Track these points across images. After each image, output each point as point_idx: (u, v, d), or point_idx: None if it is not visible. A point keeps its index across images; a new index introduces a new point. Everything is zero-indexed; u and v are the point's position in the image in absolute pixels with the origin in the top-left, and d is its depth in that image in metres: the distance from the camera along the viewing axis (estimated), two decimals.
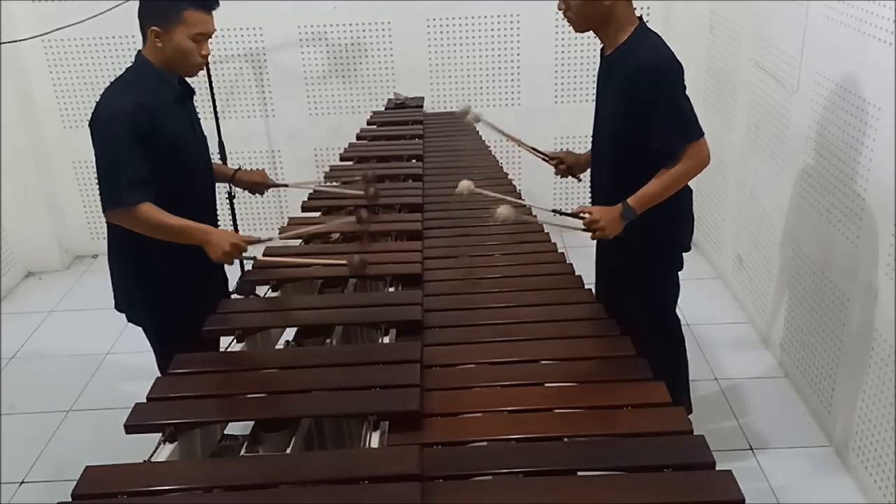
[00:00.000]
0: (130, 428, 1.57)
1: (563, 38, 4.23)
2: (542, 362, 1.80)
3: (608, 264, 2.59)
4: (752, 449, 2.80)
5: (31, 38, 3.86)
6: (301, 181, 3.05)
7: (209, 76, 3.70)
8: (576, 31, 2.26)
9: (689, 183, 2.33)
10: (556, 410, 1.61)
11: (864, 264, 2.51)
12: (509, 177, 3.19)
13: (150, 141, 2.16)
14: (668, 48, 2.20)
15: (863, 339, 2.54)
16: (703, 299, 3.77)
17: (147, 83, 2.22)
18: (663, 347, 2.49)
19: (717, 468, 1.40)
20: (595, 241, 2.46)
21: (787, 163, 3.10)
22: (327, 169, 3.20)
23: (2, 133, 4.13)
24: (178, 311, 2.31)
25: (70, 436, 3.09)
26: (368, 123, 3.70)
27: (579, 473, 1.42)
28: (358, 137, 3.55)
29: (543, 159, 2.71)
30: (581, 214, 2.22)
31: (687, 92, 2.21)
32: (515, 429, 1.54)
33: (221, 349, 2.00)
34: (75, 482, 1.39)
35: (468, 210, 2.73)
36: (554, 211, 2.27)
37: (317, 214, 2.77)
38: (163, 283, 2.34)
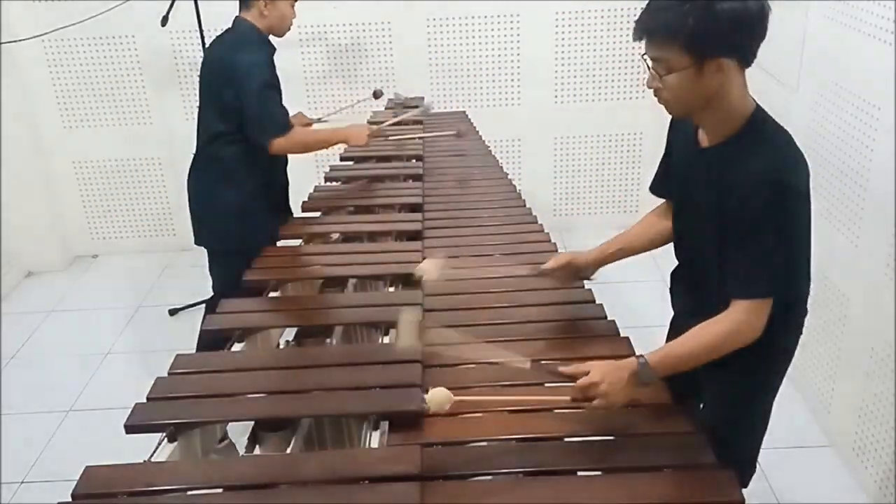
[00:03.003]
0: (130, 428, 1.57)
1: (563, 38, 4.23)
2: (542, 362, 1.80)
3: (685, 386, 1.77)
4: None
5: (31, 38, 3.86)
6: (331, 112, 3.38)
7: None
8: (672, 113, 1.66)
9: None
10: (556, 410, 1.61)
11: (864, 264, 2.51)
12: (509, 177, 3.18)
13: (275, 84, 2.70)
14: (793, 153, 1.59)
15: (863, 339, 2.54)
16: None
17: (258, 43, 2.70)
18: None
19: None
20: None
21: None
22: (327, 169, 3.20)
23: (2, 133, 4.13)
24: (250, 232, 2.73)
25: (70, 436, 3.09)
26: (368, 123, 3.70)
27: (579, 473, 1.42)
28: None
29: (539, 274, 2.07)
30: (580, 377, 1.55)
31: (805, 224, 1.63)
32: (515, 429, 1.54)
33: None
34: (75, 482, 1.39)
35: (468, 210, 2.73)
36: (536, 362, 1.67)
37: (317, 214, 2.78)
38: (238, 207, 2.80)
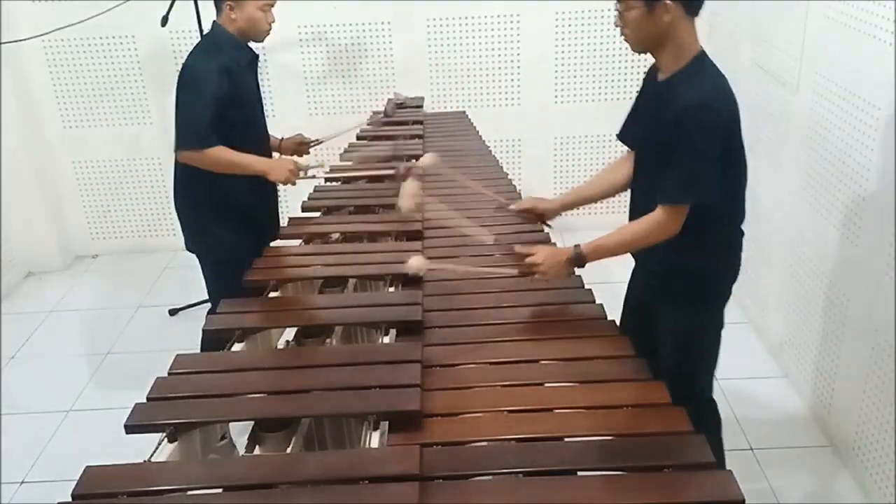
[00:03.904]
0: (130, 428, 1.57)
1: (563, 38, 4.23)
2: (542, 362, 1.80)
3: (641, 311, 2.25)
4: (752, 449, 2.80)
5: (31, 38, 3.86)
6: (330, 134, 3.21)
7: None
8: (633, 50, 2.00)
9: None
10: (556, 410, 1.61)
11: (864, 264, 2.51)
12: (509, 177, 3.18)
13: (231, 99, 2.57)
14: (726, 91, 1.93)
15: (863, 339, 2.54)
16: None
17: (226, 49, 2.62)
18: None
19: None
20: (630, 278, 2.32)
21: (787, 163, 3.10)
22: (327, 169, 3.20)
23: (2, 133, 4.13)
24: (234, 234, 2.76)
25: (70, 436, 3.09)
26: (368, 123, 3.70)
27: (579, 473, 1.42)
28: (358, 137, 3.54)
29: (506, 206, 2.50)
30: (527, 255, 2.05)
31: (725, 145, 1.91)
32: (515, 429, 1.54)
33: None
34: (75, 482, 1.39)
35: (468, 210, 2.73)
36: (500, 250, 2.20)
37: (317, 214, 2.77)
38: (222, 210, 2.76)
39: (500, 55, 4.27)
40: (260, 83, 2.86)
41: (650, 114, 2.05)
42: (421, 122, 3.63)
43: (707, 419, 2.19)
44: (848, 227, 2.61)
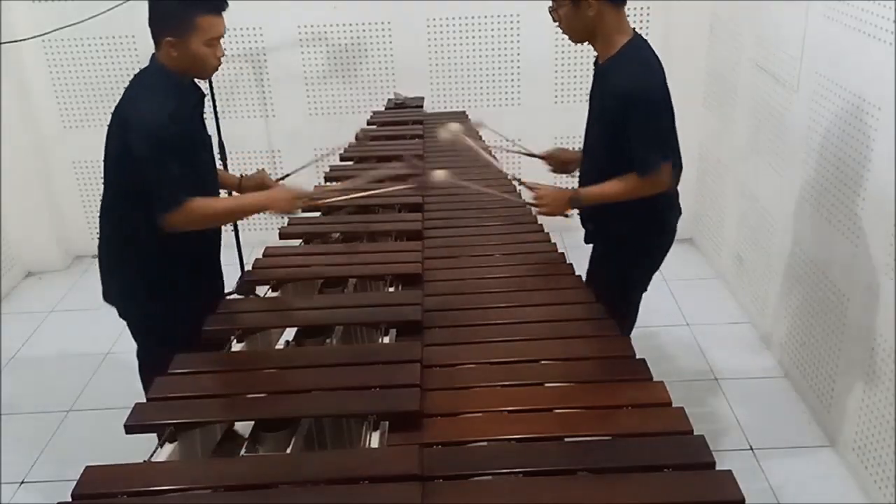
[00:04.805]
0: (130, 428, 1.57)
1: (563, 38, 4.18)
2: (542, 362, 1.80)
3: (594, 267, 2.61)
4: (752, 449, 2.80)
5: (31, 38, 3.86)
6: (296, 169, 3.01)
7: None
8: (572, 41, 2.31)
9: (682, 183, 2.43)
10: (556, 410, 1.61)
11: (864, 264, 2.51)
12: (509, 177, 3.17)
13: (176, 145, 2.19)
14: (654, 69, 2.21)
15: (863, 339, 2.54)
16: (703, 299, 3.77)
17: (170, 91, 2.24)
18: None
19: (717, 468, 1.40)
20: (591, 245, 2.58)
21: (787, 163, 3.10)
22: (327, 169, 3.20)
23: (2, 133, 4.13)
24: (166, 305, 2.34)
25: (70, 436, 3.09)
26: (368, 123, 3.70)
27: (579, 473, 1.42)
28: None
29: (532, 155, 2.81)
30: (534, 190, 2.40)
31: (670, 110, 2.26)
32: (515, 429, 1.53)
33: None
34: (75, 482, 1.39)
35: (468, 210, 2.73)
36: (513, 178, 2.54)
37: (317, 215, 2.77)
38: (152, 276, 2.37)
39: (500, 55, 4.27)
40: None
41: (594, 93, 2.39)
42: (421, 122, 3.63)
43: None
44: (848, 227, 2.61)
